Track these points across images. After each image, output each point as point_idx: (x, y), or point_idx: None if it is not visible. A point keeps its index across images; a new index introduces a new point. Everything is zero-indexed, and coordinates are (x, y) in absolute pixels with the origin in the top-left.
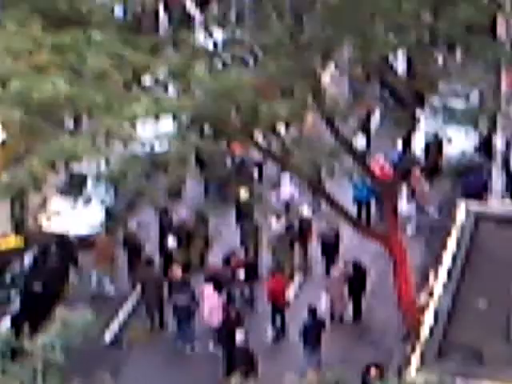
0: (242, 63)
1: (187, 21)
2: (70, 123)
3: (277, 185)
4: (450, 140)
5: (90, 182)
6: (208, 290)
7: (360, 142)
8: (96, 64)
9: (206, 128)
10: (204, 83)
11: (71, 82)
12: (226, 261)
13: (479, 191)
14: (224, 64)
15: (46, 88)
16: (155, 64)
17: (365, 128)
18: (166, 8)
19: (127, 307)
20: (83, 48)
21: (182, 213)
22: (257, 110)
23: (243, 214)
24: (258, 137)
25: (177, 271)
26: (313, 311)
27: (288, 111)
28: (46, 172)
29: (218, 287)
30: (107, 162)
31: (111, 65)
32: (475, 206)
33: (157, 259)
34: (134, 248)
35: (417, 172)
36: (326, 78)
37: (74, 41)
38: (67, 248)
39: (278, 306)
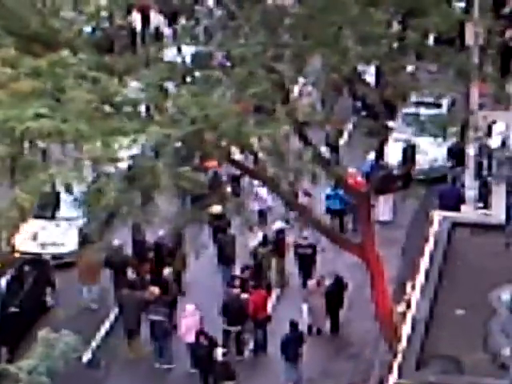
0: (214, 80)
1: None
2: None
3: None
4: (421, 150)
5: (63, 201)
6: (189, 307)
7: (327, 154)
8: (76, 94)
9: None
10: (188, 111)
11: (53, 109)
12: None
13: (455, 203)
14: (193, 81)
15: (30, 121)
16: (131, 89)
17: (332, 141)
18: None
19: (105, 327)
20: (60, 73)
21: (158, 231)
22: (239, 134)
23: (218, 228)
24: (233, 151)
25: (154, 290)
26: (294, 325)
27: (269, 133)
28: (33, 202)
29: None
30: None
31: (89, 91)
32: (450, 213)
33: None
34: (118, 267)
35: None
36: (297, 89)
37: (50, 65)
38: (42, 269)
39: (260, 321)
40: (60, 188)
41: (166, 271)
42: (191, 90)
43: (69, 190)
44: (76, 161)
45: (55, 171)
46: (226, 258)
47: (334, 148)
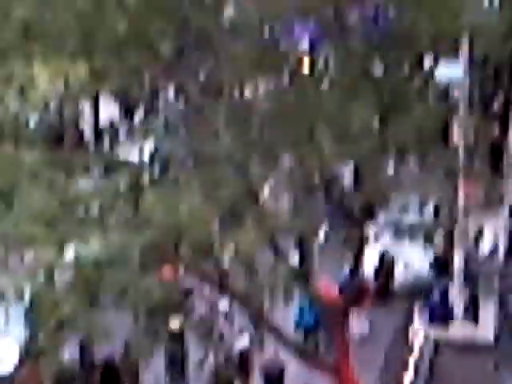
0: (182, 181)
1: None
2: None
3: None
4: (402, 259)
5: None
6: None
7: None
8: (31, 196)
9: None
10: (156, 215)
11: (2, 211)
12: None
13: (444, 319)
14: (155, 180)
15: None
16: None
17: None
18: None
19: None
20: (12, 172)
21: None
22: (209, 243)
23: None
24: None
25: None
26: None
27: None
28: None
29: None
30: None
31: (46, 192)
32: (434, 331)
33: None
34: None
35: None
36: (266, 190)
37: (2, 165)
38: None
39: None
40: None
41: None
42: (159, 193)
43: (21, 299)
44: (30, 268)
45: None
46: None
47: (306, 257)
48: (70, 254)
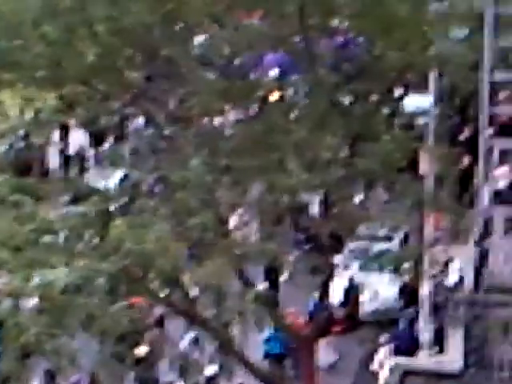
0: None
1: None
2: None
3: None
4: (369, 288)
5: None
6: None
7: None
8: (2, 229)
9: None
10: (123, 243)
11: None
12: None
13: (411, 347)
14: (123, 208)
15: None
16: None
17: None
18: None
19: None
20: None
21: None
22: (176, 272)
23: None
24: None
25: None
26: None
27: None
28: None
29: None
30: None
31: (15, 218)
32: (401, 360)
33: None
34: None
35: None
36: (234, 219)
37: None
38: None
39: None
40: None
41: None
42: (127, 221)
43: None
44: None
45: None
46: None
47: (274, 285)
48: (37, 279)
